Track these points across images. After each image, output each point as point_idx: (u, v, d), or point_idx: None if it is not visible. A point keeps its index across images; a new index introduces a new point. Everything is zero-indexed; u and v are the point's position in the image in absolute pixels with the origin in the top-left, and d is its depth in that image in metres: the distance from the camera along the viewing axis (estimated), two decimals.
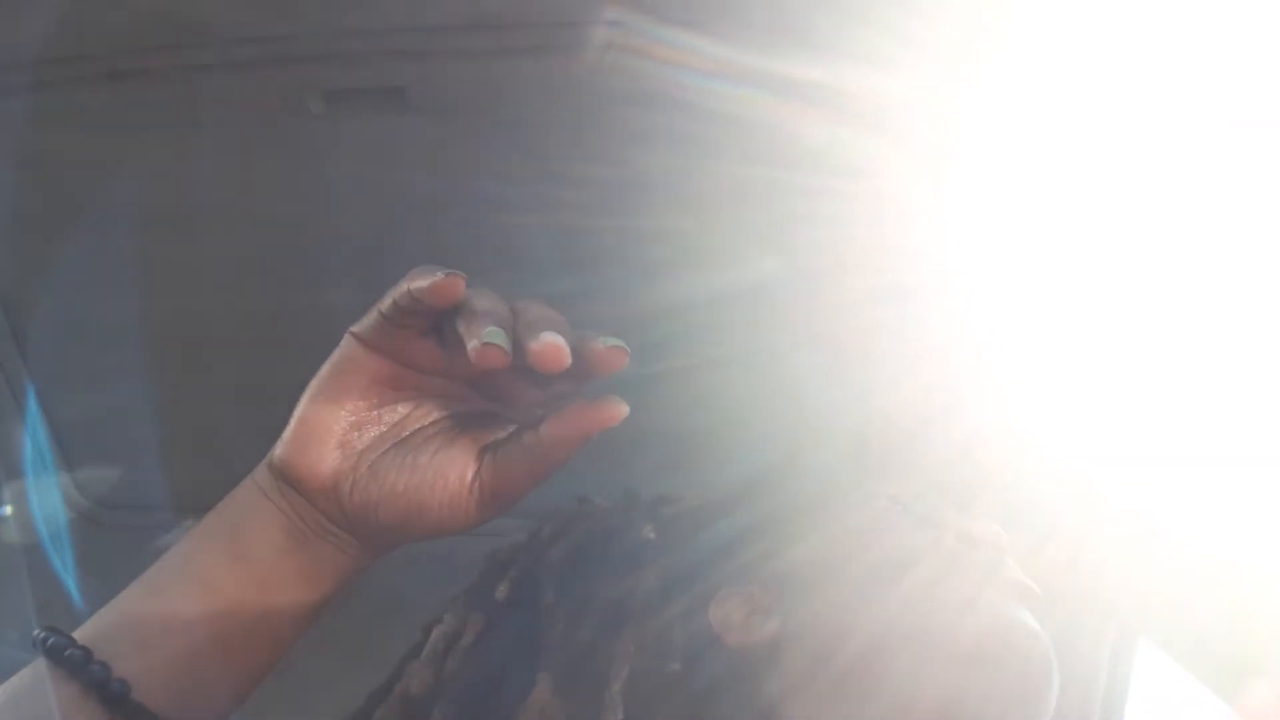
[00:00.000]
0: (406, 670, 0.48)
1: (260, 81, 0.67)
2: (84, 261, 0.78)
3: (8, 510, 0.89)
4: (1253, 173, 0.59)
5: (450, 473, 0.41)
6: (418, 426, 0.43)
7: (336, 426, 0.42)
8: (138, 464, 0.89)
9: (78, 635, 0.40)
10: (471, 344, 0.36)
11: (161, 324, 0.81)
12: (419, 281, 0.38)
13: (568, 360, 0.37)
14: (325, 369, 0.42)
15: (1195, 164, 0.60)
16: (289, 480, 0.42)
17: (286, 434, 0.42)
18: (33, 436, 0.85)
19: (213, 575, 0.42)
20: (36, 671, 0.40)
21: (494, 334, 0.36)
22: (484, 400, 0.44)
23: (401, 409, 0.43)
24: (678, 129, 0.66)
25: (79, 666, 0.39)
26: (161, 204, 0.75)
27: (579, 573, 0.49)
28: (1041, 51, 0.60)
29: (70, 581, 0.87)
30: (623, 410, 0.39)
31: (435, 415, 0.43)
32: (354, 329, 0.41)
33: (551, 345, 0.36)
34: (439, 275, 0.37)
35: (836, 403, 0.74)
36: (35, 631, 0.40)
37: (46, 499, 0.88)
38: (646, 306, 0.68)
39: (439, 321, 0.40)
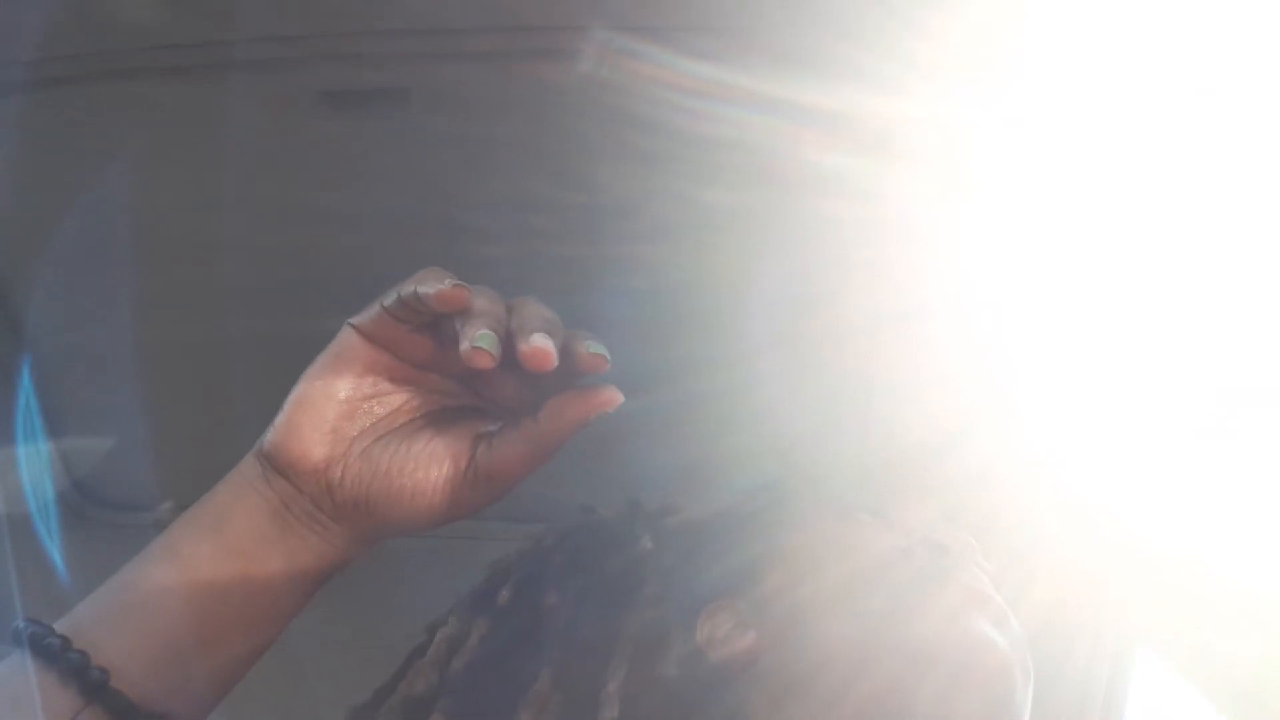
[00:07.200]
0: (411, 669, 0.49)
1: (264, 81, 0.67)
2: (84, 258, 0.78)
3: None
4: (1262, 186, 0.59)
5: (445, 457, 0.43)
6: (410, 418, 0.44)
7: (330, 413, 0.42)
8: (132, 462, 0.89)
9: (59, 625, 0.40)
10: (463, 345, 0.38)
11: (160, 322, 0.81)
12: (426, 286, 0.39)
13: (554, 363, 0.38)
14: (321, 357, 0.43)
15: (1209, 181, 0.60)
16: (279, 465, 0.43)
17: (279, 420, 0.43)
18: (25, 421, 0.85)
19: (196, 563, 0.42)
20: (16, 661, 0.40)
21: (484, 338, 0.38)
22: (474, 397, 0.45)
23: (394, 400, 0.44)
24: (691, 152, 0.66)
25: (57, 654, 0.39)
26: (163, 198, 0.75)
27: (580, 578, 0.50)
28: (1049, 70, 0.60)
29: (58, 563, 0.87)
30: (617, 398, 0.41)
31: (427, 408, 0.45)
32: (352, 320, 0.43)
33: (540, 349, 0.38)
34: (446, 285, 0.39)
35: (844, 429, 0.74)
36: (15, 623, 0.40)
37: (36, 480, 0.88)
38: (656, 327, 0.69)
39: (436, 318, 0.41)
